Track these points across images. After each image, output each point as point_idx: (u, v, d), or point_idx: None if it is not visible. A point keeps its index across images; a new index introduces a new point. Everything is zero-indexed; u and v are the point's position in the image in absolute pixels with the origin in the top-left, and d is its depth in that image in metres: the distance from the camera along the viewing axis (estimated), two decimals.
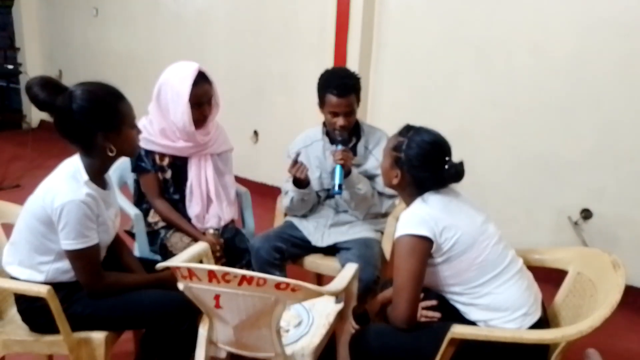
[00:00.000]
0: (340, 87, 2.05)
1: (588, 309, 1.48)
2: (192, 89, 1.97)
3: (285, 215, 2.36)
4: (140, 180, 2.14)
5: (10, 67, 6.06)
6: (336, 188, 1.99)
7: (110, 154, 1.59)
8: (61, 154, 1.60)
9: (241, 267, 2.14)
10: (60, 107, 1.51)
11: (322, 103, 2.12)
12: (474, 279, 1.49)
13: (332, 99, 2.06)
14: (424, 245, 1.46)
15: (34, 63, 6.22)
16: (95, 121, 1.54)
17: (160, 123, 2.07)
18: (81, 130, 1.55)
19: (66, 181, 1.55)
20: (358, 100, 2.12)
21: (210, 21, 4.29)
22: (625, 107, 2.56)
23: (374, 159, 2.16)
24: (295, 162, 2.06)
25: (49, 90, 1.51)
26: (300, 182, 2.10)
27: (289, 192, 2.19)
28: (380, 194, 2.19)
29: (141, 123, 2.06)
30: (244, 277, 1.31)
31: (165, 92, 2.02)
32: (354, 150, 2.17)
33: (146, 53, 4.91)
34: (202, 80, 2.01)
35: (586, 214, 2.74)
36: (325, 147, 2.20)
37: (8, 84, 6.59)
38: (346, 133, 2.11)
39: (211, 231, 2.14)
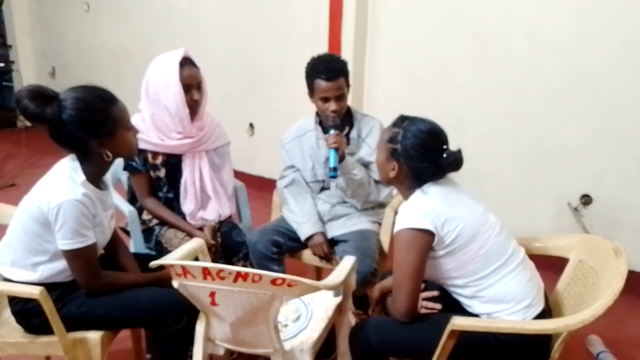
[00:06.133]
0: (328, 70, 2.02)
1: (590, 297, 1.46)
2: (180, 71, 1.95)
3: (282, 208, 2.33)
4: (131, 179, 2.12)
5: (2, 64, 6.01)
6: (331, 171, 1.95)
7: (106, 159, 1.57)
8: (56, 153, 1.58)
9: (238, 261, 2.13)
10: (50, 118, 1.48)
11: (311, 91, 2.09)
12: (478, 271, 1.46)
13: (321, 83, 2.03)
14: (425, 239, 1.42)
15: (26, 60, 6.18)
16: (87, 129, 1.51)
17: (152, 116, 2.04)
18: (74, 139, 1.53)
19: (63, 181, 1.52)
20: (347, 84, 2.09)
21: (202, 13, 4.24)
22: (624, 91, 2.52)
23: (367, 147, 2.13)
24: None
25: (39, 101, 1.48)
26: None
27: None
28: (377, 181, 2.15)
29: (133, 121, 2.02)
30: (238, 274, 1.28)
31: (154, 82, 1.99)
32: (346, 139, 2.13)
33: (139, 47, 4.86)
34: (188, 63, 2.00)
35: (586, 200, 2.71)
36: (319, 137, 2.17)
37: (1, 82, 6.54)
38: (338, 119, 2.07)
39: (212, 223, 2.12)
